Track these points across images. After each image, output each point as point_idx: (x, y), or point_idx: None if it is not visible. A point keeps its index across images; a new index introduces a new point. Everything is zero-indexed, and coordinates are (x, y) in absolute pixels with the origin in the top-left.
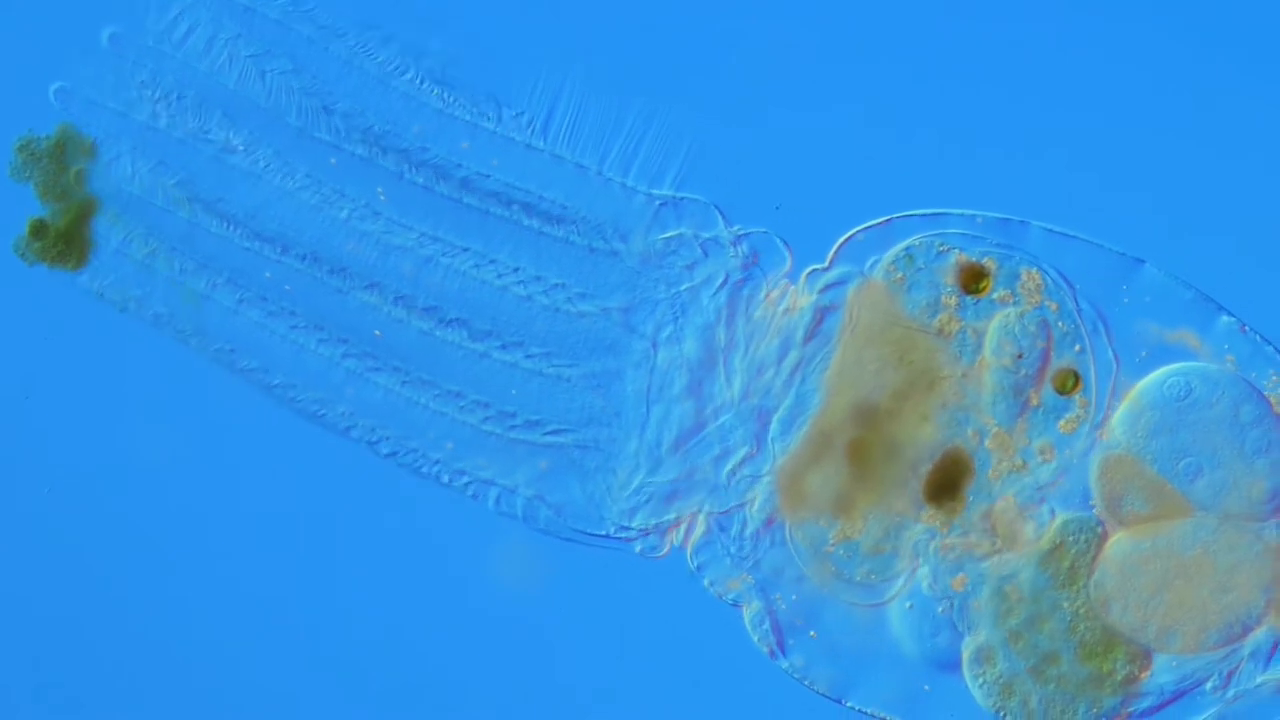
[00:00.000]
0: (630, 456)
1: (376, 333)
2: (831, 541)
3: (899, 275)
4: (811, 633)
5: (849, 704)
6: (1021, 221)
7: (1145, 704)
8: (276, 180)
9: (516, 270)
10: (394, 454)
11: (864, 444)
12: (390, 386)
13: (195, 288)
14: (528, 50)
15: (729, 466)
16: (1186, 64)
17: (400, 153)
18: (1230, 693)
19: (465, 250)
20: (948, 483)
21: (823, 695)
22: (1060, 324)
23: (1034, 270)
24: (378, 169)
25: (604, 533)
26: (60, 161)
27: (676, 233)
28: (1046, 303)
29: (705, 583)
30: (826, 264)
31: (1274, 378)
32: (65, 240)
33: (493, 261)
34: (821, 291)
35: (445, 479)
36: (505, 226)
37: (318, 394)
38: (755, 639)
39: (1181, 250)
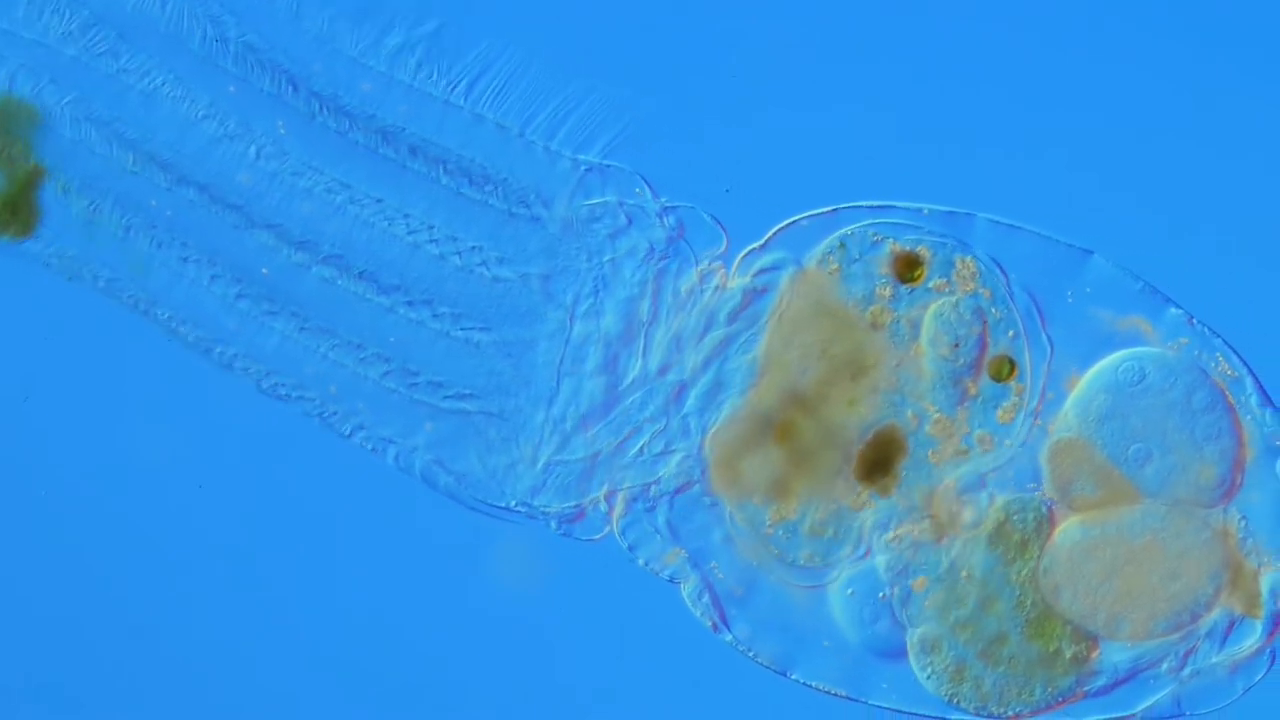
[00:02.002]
0: (536, 430)
1: (264, 270)
2: (769, 523)
3: (834, 266)
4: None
5: (794, 677)
6: (968, 214)
7: (1100, 682)
8: (179, 107)
9: (431, 228)
10: (286, 397)
11: (797, 428)
12: (287, 332)
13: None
14: (472, 19)
15: (641, 443)
16: (1161, 62)
17: (312, 94)
18: (1186, 672)
19: (378, 202)
20: (880, 460)
21: (767, 668)
22: (994, 310)
23: (968, 257)
24: (285, 107)
25: (504, 505)
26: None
27: (601, 200)
28: (980, 290)
29: (640, 561)
30: (762, 243)
31: (1221, 362)
32: (10, 208)
33: (406, 216)
34: (755, 275)
35: (345, 431)
36: (422, 183)
37: (207, 331)
38: (697, 614)
39: (1136, 244)
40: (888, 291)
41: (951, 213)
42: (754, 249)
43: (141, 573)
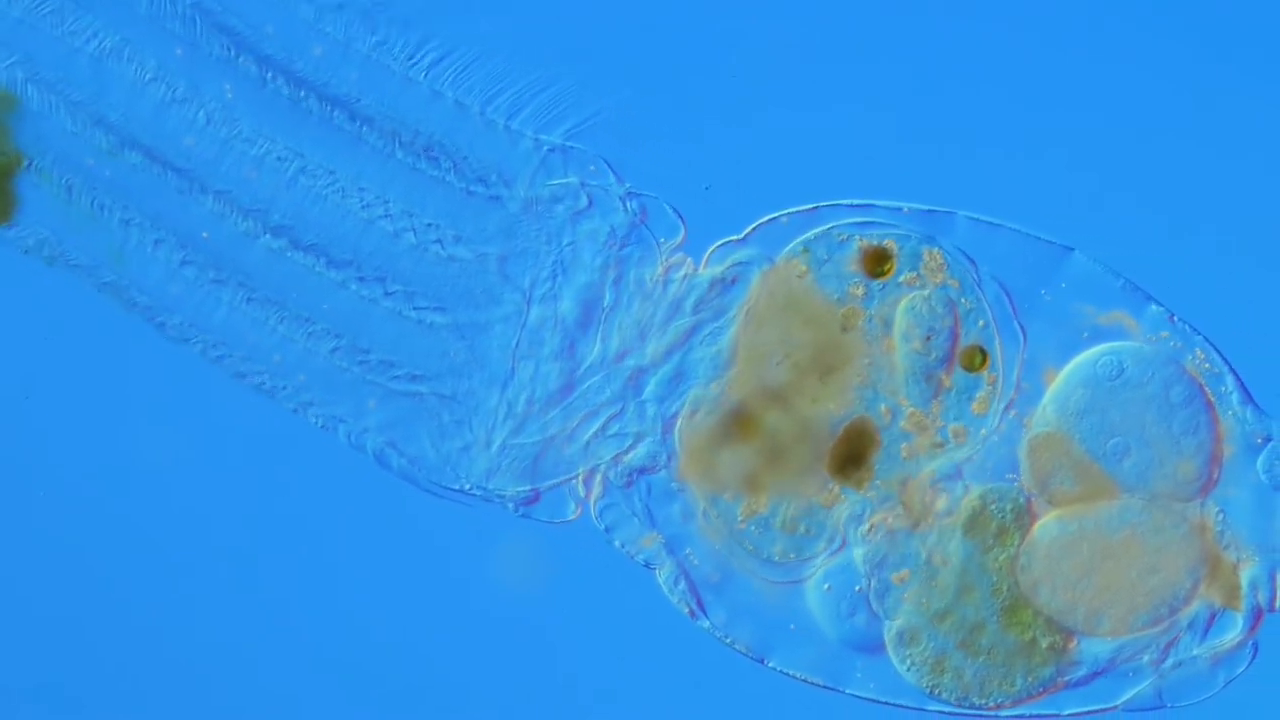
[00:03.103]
0: (490, 413)
1: (204, 235)
2: (741, 518)
3: (801, 268)
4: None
5: (771, 664)
6: (948, 212)
7: (1081, 673)
8: (126, 69)
9: (385, 203)
10: (235, 371)
11: (768, 424)
12: (234, 303)
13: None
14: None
15: (596, 427)
16: (1148, 61)
17: (264, 59)
18: (1168, 664)
19: (331, 173)
20: (852, 454)
21: (744, 655)
22: (964, 301)
23: (935, 249)
24: (235, 70)
25: (458, 487)
26: None
27: (563, 181)
28: (949, 280)
29: (616, 544)
30: (740, 237)
31: (1201, 358)
32: None
33: (360, 189)
34: (727, 267)
35: (293, 406)
36: (378, 156)
37: (153, 299)
38: (674, 600)
39: (1118, 242)
40: (860, 290)
41: (932, 211)
42: (731, 241)
43: (138, 570)
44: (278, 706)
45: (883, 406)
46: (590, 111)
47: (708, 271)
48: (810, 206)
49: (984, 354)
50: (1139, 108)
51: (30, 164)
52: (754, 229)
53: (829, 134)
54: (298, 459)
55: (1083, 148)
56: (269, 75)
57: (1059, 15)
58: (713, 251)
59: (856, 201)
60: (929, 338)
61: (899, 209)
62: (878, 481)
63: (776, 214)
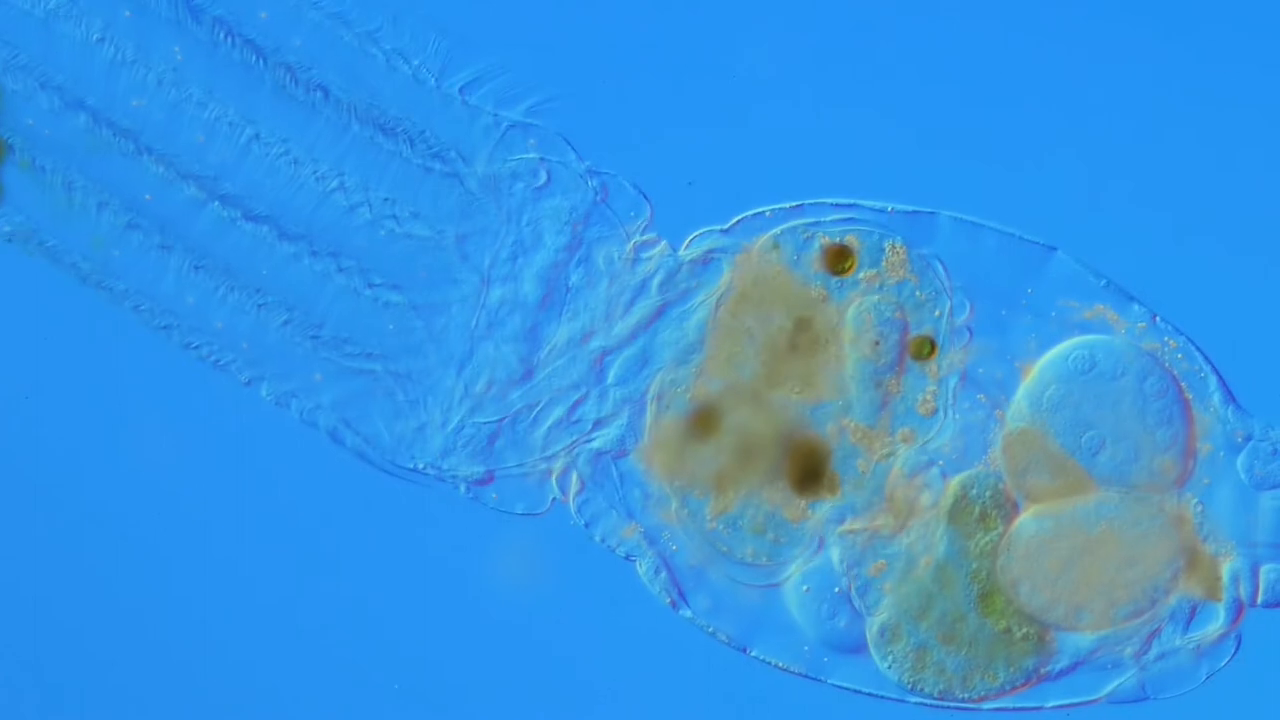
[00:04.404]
0: (447, 393)
1: (147, 197)
2: (710, 516)
3: (773, 260)
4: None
5: (754, 654)
6: (931, 212)
7: (1062, 664)
8: (75, 30)
9: (340, 175)
10: (184, 343)
11: (733, 421)
12: (181, 270)
13: None
14: None
15: (560, 413)
16: (1134, 61)
17: (216, 21)
18: (1151, 655)
19: (284, 141)
20: (809, 471)
21: (726, 644)
22: (919, 294)
23: (898, 243)
24: (185, 33)
25: (412, 466)
26: None
27: (523, 158)
28: (909, 276)
29: (597, 538)
30: (723, 227)
31: (1182, 358)
32: None
33: (314, 160)
34: (702, 252)
35: (244, 379)
36: (333, 128)
37: (96, 264)
38: (655, 591)
39: (1101, 243)
40: (822, 291)
41: (915, 211)
42: (713, 230)
43: (134, 568)
44: (275, 703)
45: (830, 426)
46: (552, 91)
47: (681, 254)
48: (794, 203)
49: (932, 345)
50: (1121, 108)
51: None
52: (737, 222)
53: (816, 133)
54: (259, 437)
55: (1066, 148)
56: (221, 37)
57: (1044, 15)
58: (693, 239)
59: (840, 200)
60: (877, 343)
61: (883, 209)
62: (846, 486)
63: (761, 208)
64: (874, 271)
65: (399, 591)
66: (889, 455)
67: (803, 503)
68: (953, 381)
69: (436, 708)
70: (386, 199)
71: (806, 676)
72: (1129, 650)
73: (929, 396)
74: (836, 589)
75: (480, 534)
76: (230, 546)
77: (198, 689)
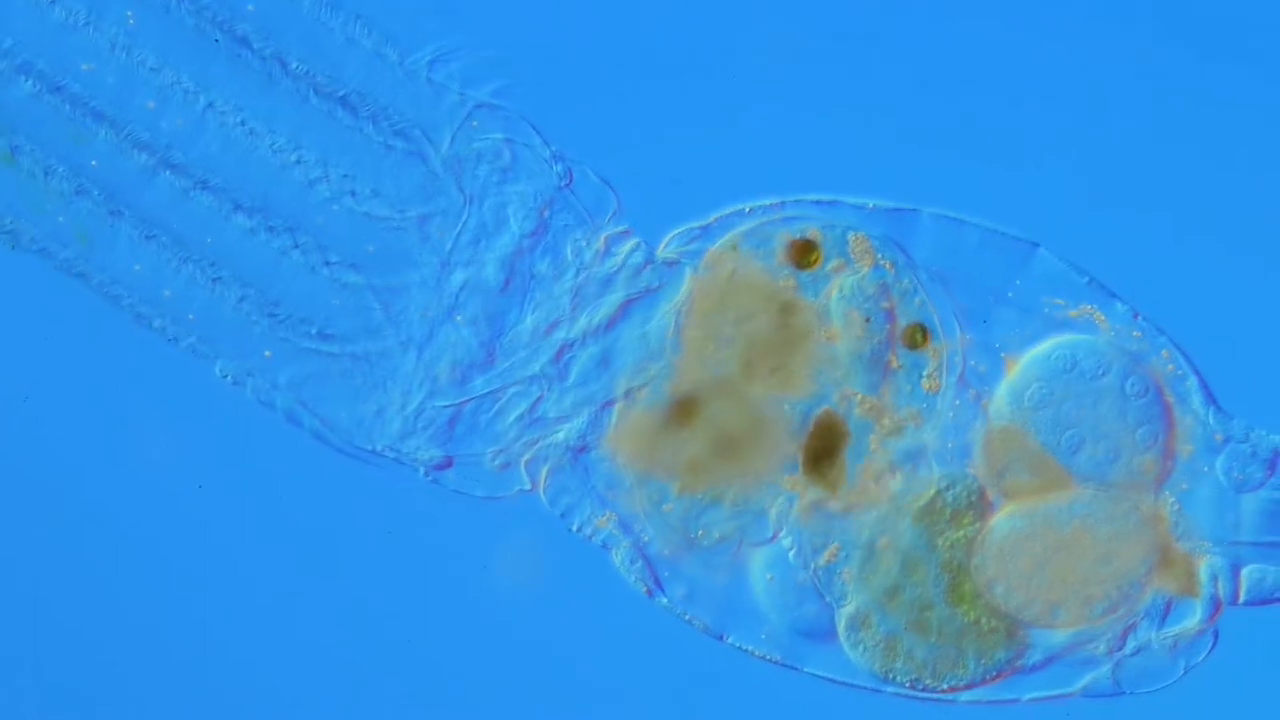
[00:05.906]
0: (406, 376)
1: (93, 162)
2: (671, 499)
3: (730, 266)
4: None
5: (730, 640)
6: (913, 209)
7: (1036, 658)
8: None
9: (299, 149)
10: (140, 317)
11: (708, 415)
12: (133, 239)
13: None
14: None
15: (523, 408)
16: (1124, 60)
17: None
18: (1126, 649)
19: (240, 110)
20: (826, 450)
21: (704, 632)
22: (899, 282)
23: (859, 233)
24: None
25: (371, 448)
26: None
27: (488, 139)
28: (882, 262)
29: (573, 528)
30: (702, 225)
31: (1164, 357)
32: None
33: (272, 132)
34: (674, 255)
35: (197, 356)
36: (291, 100)
37: (43, 231)
38: (631, 580)
39: (1084, 240)
40: (792, 283)
41: (897, 208)
42: (693, 227)
43: (133, 566)
44: (274, 703)
45: (836, 397)
46: (520, 73)
47: (660, 252)
48: (775, 200)
49: (925, 331)
50: (1107, 106)
51: None
52: (717, 219)
53: (799, 131)
54: (281, 451)
55: (1050, 145)
56: (174, 2)
57: (1028, 13)
58: (673, 236)
59: (821, 198)
60: (868, 320)
61: (864, 206)
62: (843, 489)
63: (741, 205)
64: (841, 260)
65: (380, 580)
66: (897, 430)
67: (800, 483)
68: (955, 359)
69: (414, 696)
70: (346, 175)
71: (783, 664)
72: (1103, 646)
73: (932, 372)
74: (799, 579)
75: (458, 523)
76: (198, 530)
77: (175, 677)
